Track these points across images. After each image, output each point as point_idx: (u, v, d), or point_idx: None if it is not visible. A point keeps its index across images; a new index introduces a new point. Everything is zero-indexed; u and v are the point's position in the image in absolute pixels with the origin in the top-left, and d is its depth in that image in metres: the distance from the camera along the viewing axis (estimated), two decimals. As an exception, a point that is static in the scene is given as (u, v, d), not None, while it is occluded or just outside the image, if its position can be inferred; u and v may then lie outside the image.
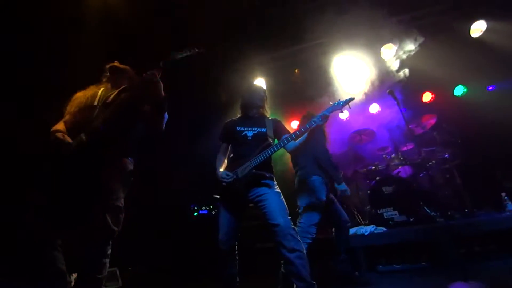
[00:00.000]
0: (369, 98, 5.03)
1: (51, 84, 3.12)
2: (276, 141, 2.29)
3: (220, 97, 5.27)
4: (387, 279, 2.80)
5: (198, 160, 4.63)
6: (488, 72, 4.61)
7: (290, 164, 2.99)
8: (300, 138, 2.19)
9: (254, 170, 2.13)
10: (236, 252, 2.23)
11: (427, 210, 3.59)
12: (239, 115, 2.47)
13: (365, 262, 3.08)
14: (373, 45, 4.60)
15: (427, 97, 5.14)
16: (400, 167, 4.37)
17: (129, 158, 1.89)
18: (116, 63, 2.07)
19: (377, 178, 4.00)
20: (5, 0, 3.00)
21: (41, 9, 3.09)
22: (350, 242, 2.96)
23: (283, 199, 2.15)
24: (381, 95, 4.79)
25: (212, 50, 4.23)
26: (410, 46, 4.37)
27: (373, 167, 4.28)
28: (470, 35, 4.40)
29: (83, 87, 2.01)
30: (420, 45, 4.34)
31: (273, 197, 2.10)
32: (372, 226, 3.34)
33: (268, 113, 2.47)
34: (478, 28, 4.36)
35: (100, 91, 1.95)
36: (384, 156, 4.44)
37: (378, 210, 3.59)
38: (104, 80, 2.08)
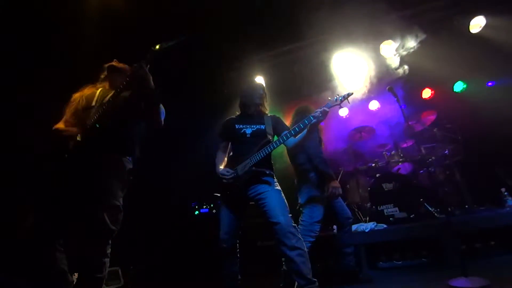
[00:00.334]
0: (369, 95, 5.03)
1: (51, 84, 3.11)
2: (275, 137, 2.29)
3: (220, 95, 5.26)
4: (387, 276, 2.82)
5: (199, 158, 4.64)
6: (488, 68, 4.60)
7: (288, 161, 2.98)
8: (299, 135, 2.17)
9: (254, 168, 2.13)
10: (237, 250, 2.23)
11: (428, 207, 3.60)
12: (238, 113, 2.47)
13: (365, 259, 3.08)
14: (373, 41, 4.58)
15: (426, 93, 5.13)
16: (400, 164, 4.38)
17: (128, 157, 1.89)
18: (115, 62, 2.06)
19: (377, 175, 4.00)
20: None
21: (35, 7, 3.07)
22: (353, 238, 2.95)
23: (284, 197, 2.15)
24: (381, 92, 4.79)
25: (212, 48, 4.22)
26: (411, 43, 4.36)
27: (373, 164, 4.29)
28: (469, 31, 4.38)
29: (81, 86, 2.00)
30: (420, 42, 4.33)
31: (274, 195, 2.10)
32: (372, 223, 3.34)
33: (267, 110, 2.47)
34: (477, 23, 4.34)
35: (98, 91, 1.95)
36: (384, 153, 4.44)
37: (378, 207, 3.60)
38: (102, 78, 2.07)
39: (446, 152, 4.09)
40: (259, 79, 4.98)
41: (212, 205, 4.63)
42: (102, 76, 2.06)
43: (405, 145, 4.60)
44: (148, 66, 1.75)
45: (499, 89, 4.67)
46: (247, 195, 2.16)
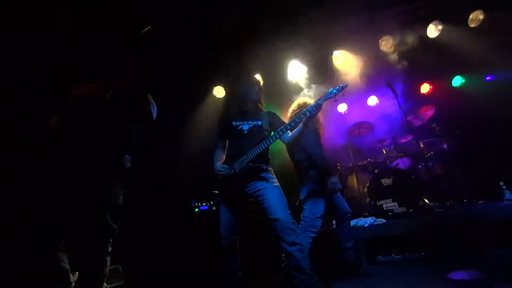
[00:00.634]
0: (367, 91, 5.03)
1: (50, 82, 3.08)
2: (272, 133, 2.29)
3: (219, 92, 5.26)
4: (386, 270, 2.84)
5: (198, 155, 4.64)
6: (486, 62, 4.60)
7: (287, 158, 2.98)
8: (296, 129, 2.18)
9: (251, 163, 2.14)
10: (238, 246, 2.25)
11: (426, 201, 3.62)
12: (234, 110, 2.47)
13: (365, 253, 3.11)
14: (372, 36, 4.58)
15: (425, 88, 5.13)
16: (399, 159, 4.39)
17: (126, 155, 1.89)
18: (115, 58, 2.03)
19: (376, 170, 4.02)
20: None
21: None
22: (352, 233, 2.96)
23: (283, 193, 2.15)
24: (379, 88, 4.79)
25: (212, 47, 4.21)
26: (410, 38, 4.35)
27: (372, 160, 4.30)
28: (467, 25, 4.38)
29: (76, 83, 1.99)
30: (418, 36, 4.33)
31: (272, 191, 2.11)
32: (371, 217, 3.36)
33: (263, 106, 2.47)
34: (476, 17, 4.33)
35: (95, 89, 1.93)
36: (383, 148, 4.45)
37: (377, 202, 3.62)
38: (102, 75, 2.04)
39: (444, 146, 4.10)
40: (257, 76, 4.97)
41: (212, 202, 4.64)
42: (102, 74, 2.04)
43: (403, 140, 4.61)
44: (133, 53, 1.74)
45: (498, 83, 4.67)
46: (246, 191, 2.17)
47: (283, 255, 2.23)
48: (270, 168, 2.27)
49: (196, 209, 4.66)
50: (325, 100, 2.10)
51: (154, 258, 4.26)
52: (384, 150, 4.41)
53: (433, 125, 4.33)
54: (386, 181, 3.72)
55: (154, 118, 1.93)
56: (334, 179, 2.53)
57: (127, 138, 1.91)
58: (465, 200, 3.68)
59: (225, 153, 2.40)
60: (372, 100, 5.29)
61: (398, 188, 3.62)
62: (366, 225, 3.23)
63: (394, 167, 4.34)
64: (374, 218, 3.35)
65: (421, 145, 4.18)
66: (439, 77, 5.00)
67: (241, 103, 2.40)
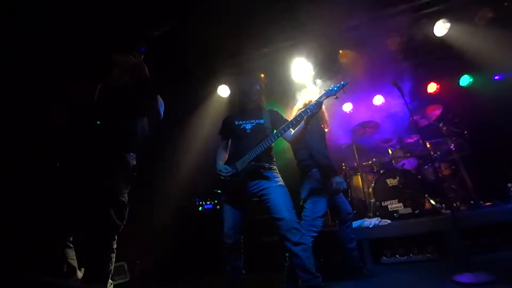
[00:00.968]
0: (373, 90, 4.98)
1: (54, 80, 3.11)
2: (275, 131, 2.27)
3: (224, 91, 5.26)
4: (392, 271, 2.81)
5: (203, 154, 4.66)
6: (495, 61, 4.52)
7: (291, 158, 2.97)
8: (298, 127, 2.17)
9: (253, 162, 2.13)
10: (242, 245, 2.25)
11: (432, 202, 3.57)
12: (236, 110, 2.47)
13: (370, 254, 3.09)
14: (378, 34, 4.53)
15: (432, 87, 5.07)
16: (404, 159, 4.35)
17: (131, 153, 1.90)
18: (113, 54, 2.04)
19: (382, 170, 3.99)
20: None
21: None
22: (354, 233, 2.95)
23: (288, 193, 2.15)
24: (385, 86, 4.74)
25: (213, 45, 4.20)
26: (417, 36, 4.30)
27: (378, 160, 4.26)
28: (475, 23, 4.30)
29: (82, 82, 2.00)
30: (425, 35, 4.27)
31: (277, 190, 2.10)
32: (376, 218, 3.33)
33: (265, 104, 2.46)
34: (484, 16, 4.26)
35: (98, 87, 1.95)
36: (388, 148, 4.41)
37: (382, 203, 3.59)
38: (104, 74, 2.05)
39: (451, 147, 4.04)
40: (260, 75, 4.96)
41: (216, 201, 4.65)
42: (104, 72, 2.05)
43: (410, 140, 4.56)
44: (142, 55, 1.75)
45: (507, 83, 4.59)
46: (250, 191, 2.16)
47: (287, 254, 2.23)
48: (274, 167, 2.26)
49: (200, 208, 4.68)
50: (326, 97, 2.10)
51: (159, 255, 4.29)
52: (390, 150, 4.36)
53: (440, 124, 4.28)
54: (391, 182, 3.69)
55: (162, 117, 1.94)
56: (339, 178, 2.51)
57: (132, 136, 1.92)
58: (472, 202, 3.63)
59: (228, 152, 2.40)
60: (378, 99, 5.24)
61: (403, 189, 3.59)
62: (371, 226, 3.21)
63: (400, 167, 4.30)
64: (379, 219, 3.32)
65: (428, 145, 4.13)
66: (447, 76, 4.93)
67: (242, 102, 2.40)
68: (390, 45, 4.55)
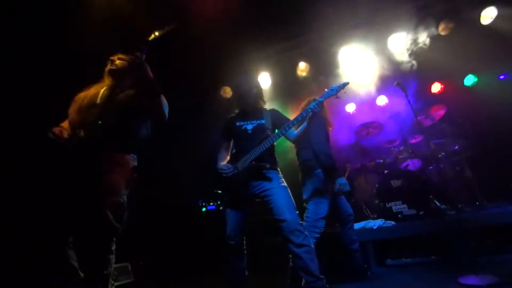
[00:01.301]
0: (377, 90, 4.96)
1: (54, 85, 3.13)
2: (276, 131, 2.27)
3: (225, 92, 5.28)
4: (396, 273, 2.79)
5: (205, 155, 4.65)
6: (500, 61, 4.48)
7: (293, 158, 2.95)
8: (301, 127, 2.17)
9: (253, 162, 2.12)
10: (245, 247, 2.24)
11: (437, 203, 3.54)
12: (237, 111, 2.45)
13: (374, 256, 3.07)
14: (382, 35, 4.51)
15: (436, 87, 5.03)
16: (408, 160, 4.31)
17: (132, 154, 1.90)
18: (117, 56, 2.04)
19: (385, 171, 3.96)
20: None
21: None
22: (358, 235, 2.93)
23: (290, 194, 2.14)
24: (389, 87, 4.72)
25: (215, 45, 4.21)
26: (420, 36, 4.27)
27: (381, 160, 4.24)
28: (480, 22, 4.27)
29: (86, 84, 2.02)
30: (429, 35, 4.24)
31: (280, 192, 2.09)
32: (380, 220, 3.31)
33: (265, 104, 2.45)
34: (488, 14, 4.22)
35: (102, 90, 1.96)
36: (392, 149, 4.38)
37: (386, 204, 3.56)
38: (106, 75, 2.06)
39: (456, 147, 4.01)
40: (264, 76, 4.97)
41: (219, 202, 4.65)
42: (106, 75, 2.05)
43: (414, 141, 4.53)
44: (144, 56, 1.76)
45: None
46: (252, 191, 2.15)
47: (290, 256, 2.22)
48: (276, 167, 2.25)
49: (203, 209, 4.68)
50: (327, 97, 2.10)
51: (163, 256, 4.30)
52: (393, 151, 4.34)
53: (444, 125, 4.25)
54: (395, 183, 3.65)
55: (167, 118, 1.95)
56: (343, 180, 2.49)
57: (133, 137, 1.93)
58: (477, 203, 3.59)
59: (229, 154, 2.40)
60: (382, 100, 5.21)
61: (408, 190, 3.56)
62: (375, 227, 3.19)
63: (404, 168, 4.27)
64: (383, 220, 3.30)
65: (432, 146, 4.11)
66: (451, 76, 4.89)
67: (243, 103, 2.38)
68: (393, 45, 4.53)
